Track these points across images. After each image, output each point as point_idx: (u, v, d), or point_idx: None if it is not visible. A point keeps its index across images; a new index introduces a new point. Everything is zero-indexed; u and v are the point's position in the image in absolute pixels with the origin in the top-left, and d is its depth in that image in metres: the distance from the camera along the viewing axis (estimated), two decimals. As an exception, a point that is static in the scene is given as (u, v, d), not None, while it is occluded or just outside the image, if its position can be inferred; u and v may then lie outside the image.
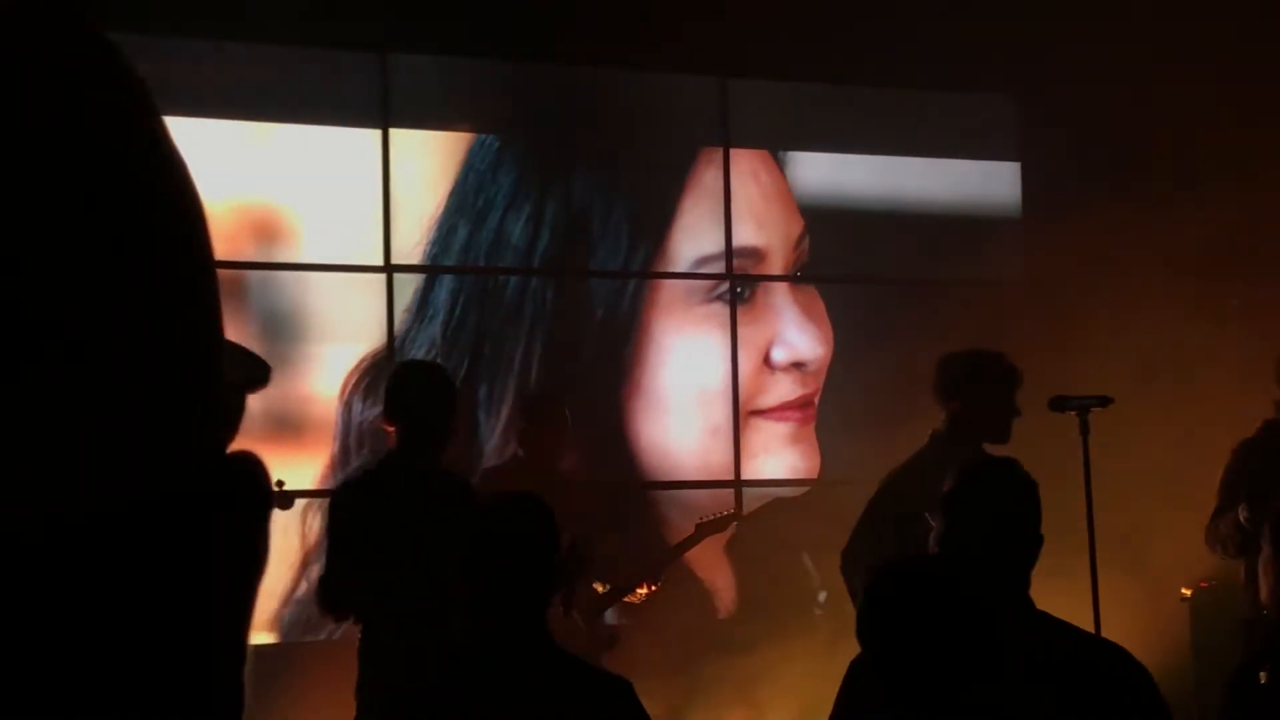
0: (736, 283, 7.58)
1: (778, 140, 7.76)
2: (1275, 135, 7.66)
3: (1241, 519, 5.14)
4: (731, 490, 7.51)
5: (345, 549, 4.70)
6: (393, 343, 6.95)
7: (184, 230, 1.03)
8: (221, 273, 1.07)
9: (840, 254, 7.77)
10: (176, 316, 1.01)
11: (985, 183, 8.06)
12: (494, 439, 6.99)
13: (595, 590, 6.03)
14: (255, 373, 3.51)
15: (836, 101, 7.83)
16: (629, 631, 6.35)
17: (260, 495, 1.09)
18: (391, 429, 4.81)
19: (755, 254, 7.65)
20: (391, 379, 4.97)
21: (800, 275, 7.71)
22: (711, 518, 6.46)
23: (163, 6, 6.57)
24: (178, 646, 1.01)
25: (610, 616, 6.19)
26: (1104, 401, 4.90)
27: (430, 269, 7.08)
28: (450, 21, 7.06)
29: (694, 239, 7.52)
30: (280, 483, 5.32)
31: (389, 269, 7.01)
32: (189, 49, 6.66)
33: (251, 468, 1.07)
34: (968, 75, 7.80)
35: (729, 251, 7.57)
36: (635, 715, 2.99)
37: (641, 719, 2.99)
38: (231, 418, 1.09)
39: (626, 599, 6.19)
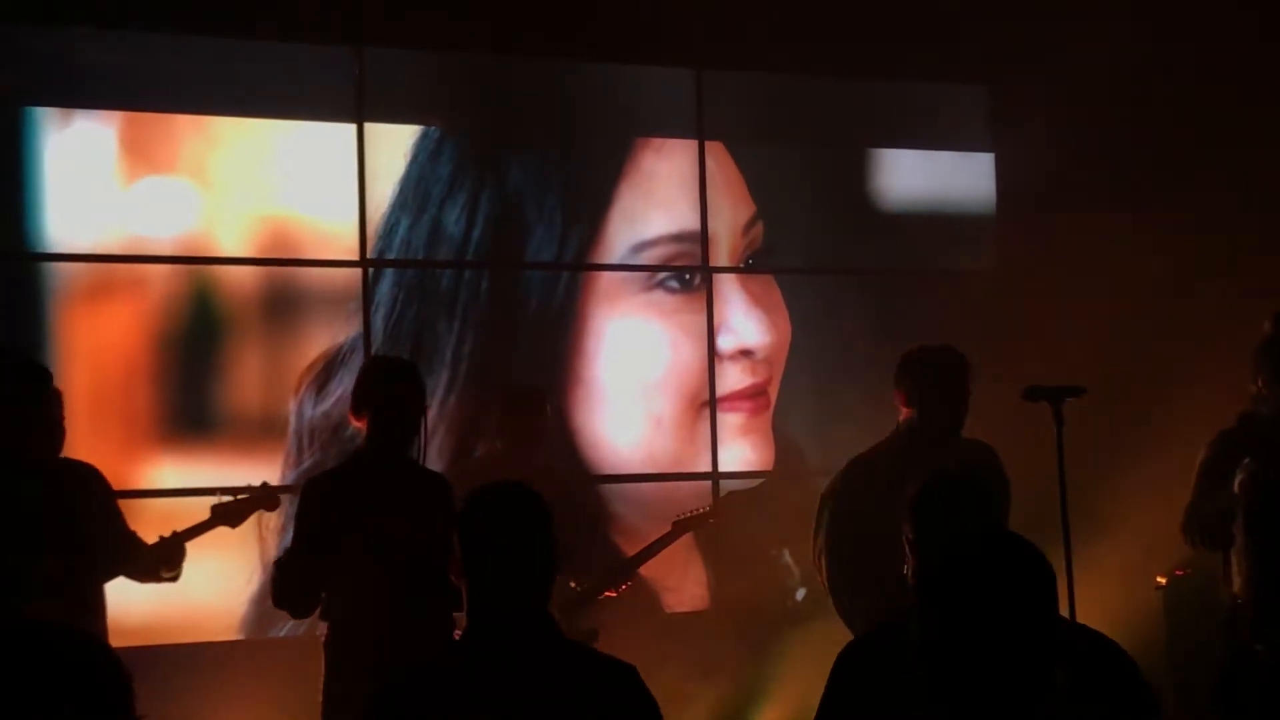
0: (708, 274, 7.53)
1: (745, 131, 7.69)
2: (1252, 127, 7.69)
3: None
4: (708, 483, 7.48)
5: (316, 542, 4.63)
6: (369, 337, 6.92)
7: None
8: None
9: (811, 245, 7.76)
10: None
11: (959, 174, 8.07)
12: (439, 429, 6.86)
13: (570, 588, 5.98)
14: None
15: (808, 93, 7.82)
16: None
17: None
18: (361, 424, 4.78)
19: (698, 238, 7.55)
20: (362, 374, 4.93)
21: (771, 267, 7.66)
22: (689, 515, 6.43)
23: (136, 2, 6.55)
24: None
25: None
26: (1077, 392, 4.90)
27: (410, 263, 7.04)
28: (420, 14, 7.05)
29: (629, 224, 7.42)
30: (264, 483, 5.30)
31: (364, 264, 6.99)
32: (165, 43, 6.64)
33: None
34: (942, 66, 7.80)
35: (705, 240, 7.54)
36: (641, 698, 2.98)
37: (647, 702, 2.99)
38: None
39: (601, 596, 6.14)
